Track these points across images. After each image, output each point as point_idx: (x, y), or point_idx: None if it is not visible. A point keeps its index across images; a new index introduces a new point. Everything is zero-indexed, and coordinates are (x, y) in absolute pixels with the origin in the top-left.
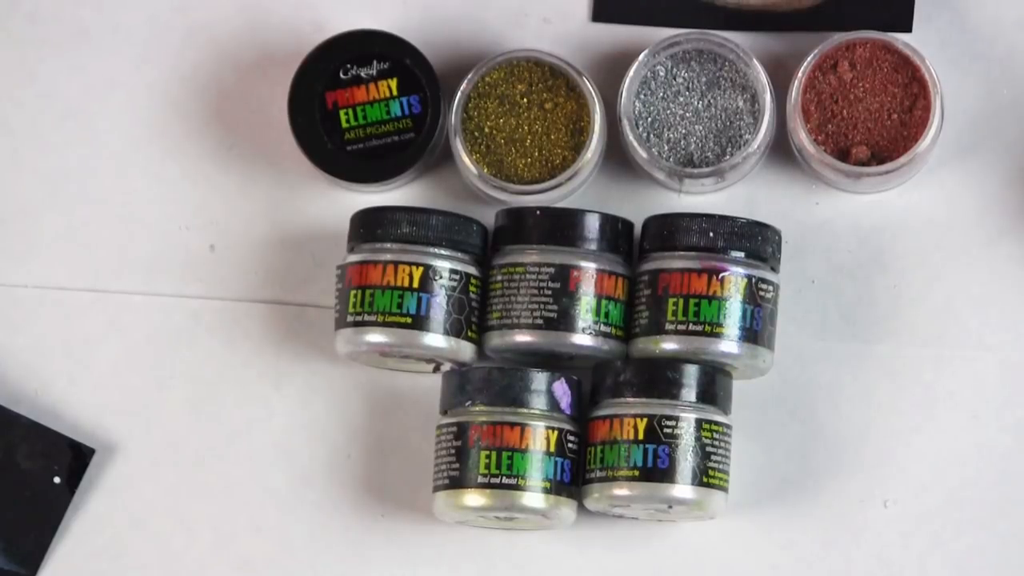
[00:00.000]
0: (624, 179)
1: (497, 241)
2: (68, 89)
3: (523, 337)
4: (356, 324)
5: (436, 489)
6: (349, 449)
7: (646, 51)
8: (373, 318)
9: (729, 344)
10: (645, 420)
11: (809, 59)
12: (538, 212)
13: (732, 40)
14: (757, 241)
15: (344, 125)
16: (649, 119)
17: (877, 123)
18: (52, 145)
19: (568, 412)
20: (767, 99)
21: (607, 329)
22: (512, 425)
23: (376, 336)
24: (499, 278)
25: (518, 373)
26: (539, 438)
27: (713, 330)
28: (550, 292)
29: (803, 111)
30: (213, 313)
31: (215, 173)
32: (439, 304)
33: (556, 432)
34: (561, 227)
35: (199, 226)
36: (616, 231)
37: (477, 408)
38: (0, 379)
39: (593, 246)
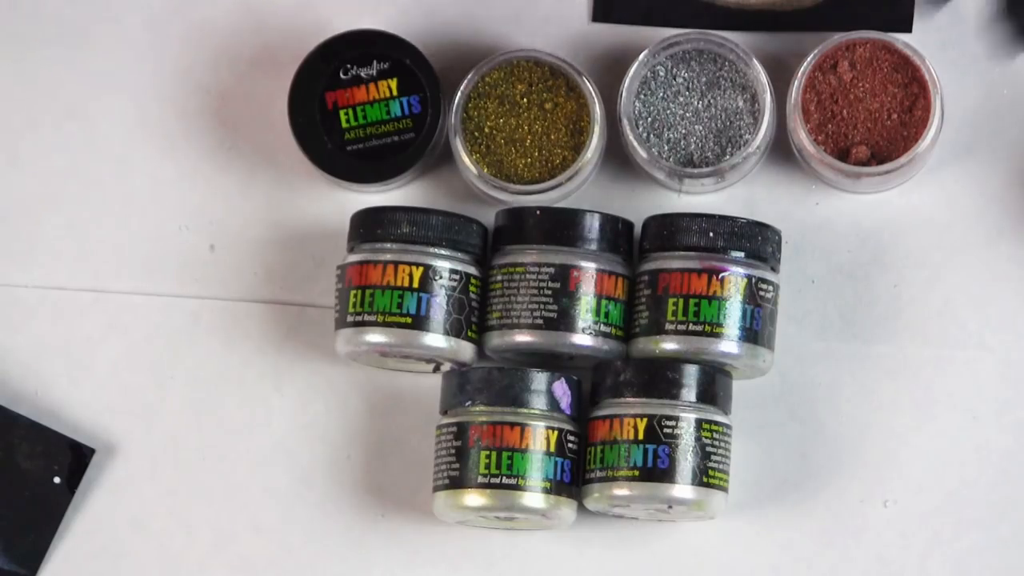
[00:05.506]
0: (624, 179)
1: (497, 241)
2: (68, 89)
3: (523, 337)
4: (356, 324)
5: (436, 489)
6: (349, 449)
7: (646, 51)
8: (373, 318)
9: (729, 344)
10: (645, 420)
11: (809, 59)
12: (538, 212)
13: (732, 40)
14: (757, 241)
15: (344, 125)
16: (649, 119)
17: (877, 123)
18: (52, 145)
19: (568, 412)
20: (767, 99)
21: (607, 329)
22: (512, 425)
23: (376, 336)
24: (499, 278)
25: (518, 373)
26: (539, 438)
27: (713, 330)
28: (550, 292)
29: (803, 111)
30: (213, 313)
31: (215, 173)
32: (439, 304)
33: (556, 432)
34: (561, 227)
35: (198, 226)
36: (616, 231)
37: (477, 408)
38: (0, 379)
39: (593, 246)
